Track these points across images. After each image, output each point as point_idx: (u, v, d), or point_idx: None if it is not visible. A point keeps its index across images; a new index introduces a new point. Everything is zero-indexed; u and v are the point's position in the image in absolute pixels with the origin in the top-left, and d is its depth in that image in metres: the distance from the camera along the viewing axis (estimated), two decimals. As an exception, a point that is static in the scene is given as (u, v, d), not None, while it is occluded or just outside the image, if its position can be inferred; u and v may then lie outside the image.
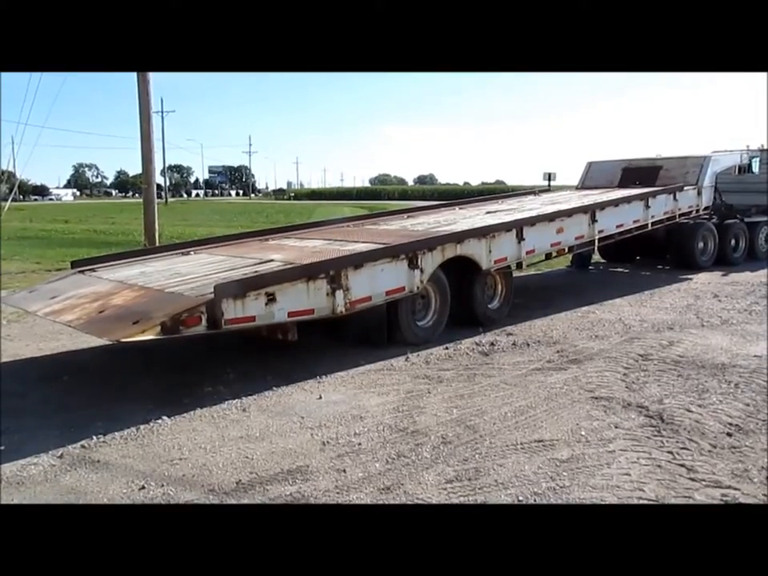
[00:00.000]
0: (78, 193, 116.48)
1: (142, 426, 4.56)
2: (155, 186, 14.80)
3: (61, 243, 19.07)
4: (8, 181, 25.14)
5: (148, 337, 4.57)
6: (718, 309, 8.45)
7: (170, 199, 70.77)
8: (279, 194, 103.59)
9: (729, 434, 4.26)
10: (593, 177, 13.89)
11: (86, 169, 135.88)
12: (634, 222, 10.29)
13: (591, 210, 9.26)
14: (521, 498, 3.46)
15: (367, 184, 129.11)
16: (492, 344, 6.70)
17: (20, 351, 6.77)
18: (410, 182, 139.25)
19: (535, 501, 3.43)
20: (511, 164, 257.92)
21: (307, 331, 5.91)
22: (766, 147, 13.68)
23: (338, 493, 3.58)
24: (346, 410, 4.87)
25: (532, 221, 8.34)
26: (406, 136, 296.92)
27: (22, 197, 77.15)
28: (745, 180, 12.97)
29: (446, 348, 6.59)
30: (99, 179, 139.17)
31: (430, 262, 6.71)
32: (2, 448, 4.22)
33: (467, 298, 7.38)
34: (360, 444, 4.23)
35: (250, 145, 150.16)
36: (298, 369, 5.86)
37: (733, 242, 12.85)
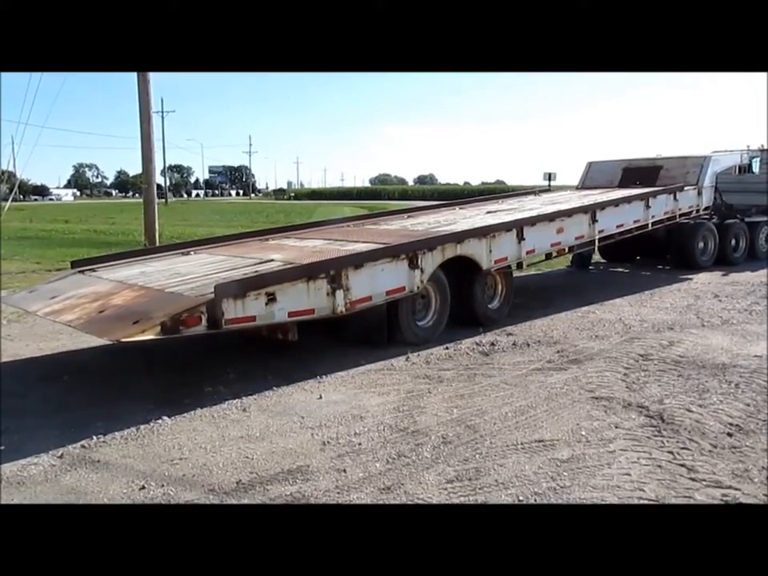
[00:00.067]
0: (78, 193, 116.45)
1: (142, 426, 4.56)
2: (155, 186, 14.80)
3: (61, 243, 19.08)
4: (8, 181, 25.15)
5: (148, 337, 4.57)
6: (718, 309, 8.45)
7: (170, 199, 70.81)
8: (279, 193, 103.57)
9: (729, 434, 4.26)
10: (593, 177, 13.89)
11: (86, 169, 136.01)
12: (635, 221, 10.29)
13: (591, 210, 9.26)
14: (521, 498, 3.46)
15: (367, 184, 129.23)
16: (492, 344, 6.70)
17: (20, 351, 6.77)
18: (410, 182, 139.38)
19: (536, 501, 3.43)
20: (511, 164, 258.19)
21: (307, 331, 5.91)
22: (766, 147, 13.68)
23: (338, 493, 3.58)
24: (346, 409, 4.87)
25: (532, 221, 8.34)
26: (406, 136, 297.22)
27: (22, 197, 77.14)
28: (745, 180, 12.97)
29: (447, 348, 6.59)
30: (99, 179, 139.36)
31: (430, 261, 6.71)
32: (2, 448, 4.22)
33: (467, 298, 7.38)
34: (360, 444, 4.23)
35: (250, 145, 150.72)
36: (299, 369, 5.86)
37: (733, 241, 12.85)
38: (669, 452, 4.00)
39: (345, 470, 3.84)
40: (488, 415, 4.69)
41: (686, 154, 13.01)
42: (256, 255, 6.83)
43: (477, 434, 4.35)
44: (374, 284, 6.14)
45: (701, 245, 12.23)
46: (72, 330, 5.77)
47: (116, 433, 4.44)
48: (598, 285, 10.95)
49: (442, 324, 7.03)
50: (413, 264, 6.47)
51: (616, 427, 4.42)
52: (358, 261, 6.06)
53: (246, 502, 3.50)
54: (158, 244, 13.07)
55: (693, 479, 3.63)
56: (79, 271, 6.93)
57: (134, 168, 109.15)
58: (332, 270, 5.74)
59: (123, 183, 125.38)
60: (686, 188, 11.72)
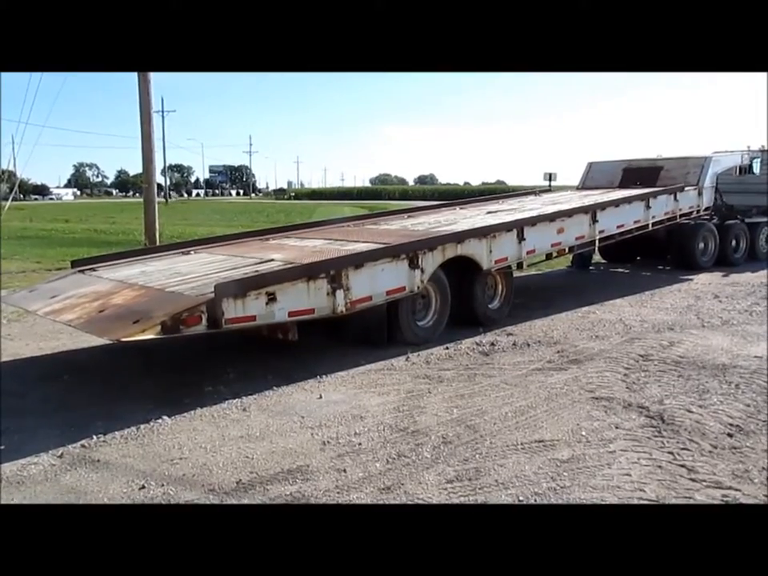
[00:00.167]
0: (78, 192, 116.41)
1: (142, 426, 4.56)
2: (156, 186, 14.80)
3: (61, 243, 19.07)
4: (8, 180, 25.15)
5: (148, 336, 4.57)
6: (718, 309, 8.45)
7: (170, 199, 70.84)
8: (280, 193, 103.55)
9: (729, 435, 4.26)
10: (593, 177, 13.88)
11: (87, 168, 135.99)
12: (635, 222, 10.28)
13: (592, 211, 9.26)
14: (521, 498, 3.46)
15: (368, 184, 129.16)
16: (492, 344, 6.70)
17: (20, 350, 6.77)
18: (411, 182, 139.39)
19: (536, 501, 3.43)
20: (512, 164, 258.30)
21: (307, 331, 5.91)
22: (766, 148, 13.67)
23: (338, 493, 3.58)
24: (346, 409, 4.87)
25: (533, 221, 8.34)
26: (406, 136, 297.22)
27: (22, 196, 77.12)
28: (745, 181, 12.97)
29: (447, 348, 6.59)
30: (100, 179, 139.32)
31: (431, 261, 6.71)
32: (2, 447, 4.22)
33: (467, 298, 7.38)
34: (360, 444, 4.23)
35: (251, 144, 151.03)
36: (299, 368, 5.86)
37: (733, 242, 12.85)
38: (669, 452, 4.00)
39: (345, 470, 3.84)
40: (488, 415, 4.68)
41: (686, 155, 13.01)
42: (256, 255, 6.83)
43: (477, 434, 4.35)
44: (374, 284, 6.14)
45: (701, 245, 12.23)
46: (72, 330, 5.77)
47: (116, 432, 4.44)
48: (599, 285, 10.95)
49: (442, 324, 7.03)
50: (413, 264, 6.47)
51: (616, 427, 4.42)
52: (358, 261, 6.06)
53: (246, 502, 3.50)
54: (158, 243, 13.07)
55: (693, 480, 3.63)
56: (79, 271, 6.93)
57: (135, 167, 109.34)
58: (332, 270, 5.74)
59: (123, 183, 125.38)
60: (686, 188, 11.71)
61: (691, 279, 11.11)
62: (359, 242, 7.18)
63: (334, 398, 5.16)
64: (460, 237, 7.19)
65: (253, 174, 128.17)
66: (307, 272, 5.63)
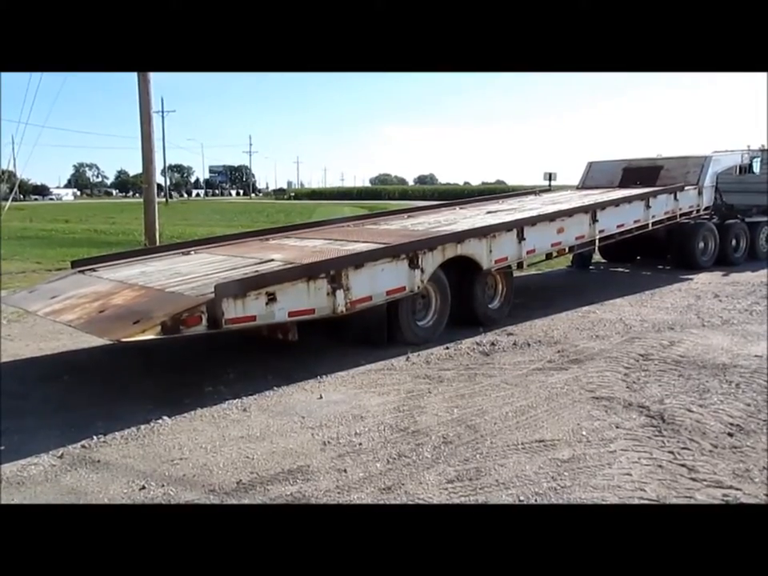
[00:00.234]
0: (78, 192, 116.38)
1: (142, 426, 4.56)
2: (156, 186, 14.80)
3: (61, 243, 19.08)
4: (8, 180, 25.15)
5: (148, 336, 4.57)
6: (718, 309, 8.45)
7: (170, 199, 70.83)
8: (279, 193, 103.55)
9: (730, 434, 4.26)
10: (593, 177, 13.89)
11: (87, 168, 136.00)
12: (635, 221, 10.29)
13: (592, 210, 9.26)
14: (522, 498, 3.45)
15: (367, 184, 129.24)
16: (493, 344, 6.69)
17: (20, 351, 6.77)
18: (411, 182, 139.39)
19: (536, 501, 3.43)
20: (511, 164, 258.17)
21: (307, 331, 5.91)
22: (766, 147, 13.67)
23: (338, 493, 3.57)
24: (346, 409, 4.87)
25: (533, 220, 8.34)
26: (406, 136, 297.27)
27: (22, 196, 77.11)
28: (745, 180, 12.97)
29: (447, 348, 6.59)
30: (100, 179, 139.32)
31: (431, 261, 6.71)
32: (2, 448, 4.22)
33: (468, 298, 7.38)
34: (361, 444, 4.23)
35: (251, 144, 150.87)
36: (299, 368, 5.86)
37: (733, 242, 12.85)
38: (669, 452, 4.00)
39: (345, 470, 3.84)
40: (488, 415, 4.68)
41: (686, 154, 13.01)
42: (256, 255, 6.83)
43: (477, 433, 4.35)
44: (374, 284, 6.14)
45: (701, 245, 12.23)
46: (72, 330, 5.77)
47: (116, 433, 4.44)
48: (599, 285, 10.95)
49: (442, 324, 7.03)
50: (413, 264, 6.47)
51: (617, 427, 4.42)
52: (358, 261, 6.06)
53: (246, 502, 3.50)
54: (158, 244, 13.07)
55: (693, 479, 3.63)
56: (79, 271, 6.93)
57: (135, 168, 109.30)
58: (332, 270, 5.74)
59: (123, 183, 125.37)
60: (686, 188, 11.71)
61: (691, 279, 11.11)
62: (359, 242, 7.18)
63: (334, 398, 5.16)
64: (460, 237, 7.19)
65: (253, 174, 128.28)
66: (307, 272, 5.63)
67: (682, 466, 3.80)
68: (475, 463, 3.89)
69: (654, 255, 13.03)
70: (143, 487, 3.67)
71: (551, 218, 8.63)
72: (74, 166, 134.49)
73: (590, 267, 12.89)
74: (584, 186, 13.81)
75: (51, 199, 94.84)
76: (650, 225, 10.62)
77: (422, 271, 6.57)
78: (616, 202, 9.99)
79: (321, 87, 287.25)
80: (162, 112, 66.72)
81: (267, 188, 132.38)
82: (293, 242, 8.14)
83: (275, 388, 5.36)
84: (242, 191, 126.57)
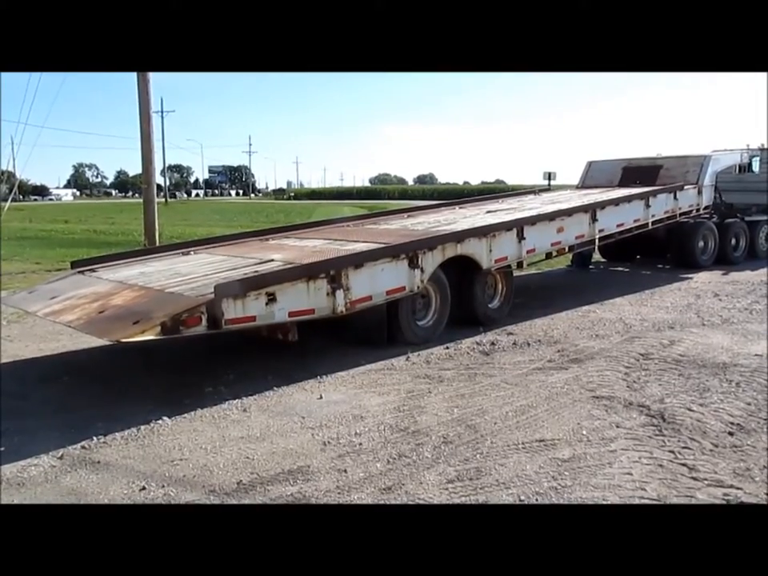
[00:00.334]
0: (77, 193, 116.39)
1: (142, 427, 4.55)
2: (155, 186, 14.79)
3: (61, 243, 19.07)
4: (8, 181, 25.14)
5: (148, 337, 4.57)
6: (718, 308, 8.45)
7: (170, 199, 70.81)
8: (279, 193, 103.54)
9: (730, 433, 4.26)
10: (593, 176, 13.89)
11: (86, 169, 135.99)
12: (635, 221, 10.29)
13: (592, 210, 9.26)
14: (522, 498, 3.45)
15: (367, 183, 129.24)
16: (493, 343, 6.69)
17: (20, 352, 6.76)
18: (410, 182, 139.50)
19: (537, 501, 3.43)
20: (511, 163, 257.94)
21: (307, 331, 5.91)
22: (766, 146, 13.67)
23: (339, 493, 3.57)
24: (346, 409, 4.87)
25: (532, 220, 8.34)
26: (405, 136, 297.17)
27: (21, 197, 77.11)
28: (745, 179, 12.97)
29: (447, 348, 6.59)
30: (99, 179, 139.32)
31: (431, 261, 6.70)
32: (2, 449, 4.21)
33: (467, 298, 7.38)
34: (361, 444, 4.23)
35: (250, 145, 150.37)
36: (299, 369, 5.86)
37: (733, 241, 12.85)
38: (670, 451, 4.00)
39: (345, 471, 3.84)
40: (489, 415, 4.68)
41: (686, 153, 13.01)
42: (256, 255, 6.82)
43: (477, 433, 4.35)
44: (374, 284, 6.14)
45: (701, 244, 12.23)
46: (72, 331, 5.76)
47: (116, 434, 4.44)
48: (599, 284, 10.95)
49: (442, 324, 7.02)
50: (413, 264, 6.46)
51: (617, 426, 4.42)
52: (358, 261, 6.05)
53: (246, 502, 3.49)
54: (157, 244, 13.07)
55: (694, 478, 3.63)
56: (79, 271, 6.93)
57: (134, 168, 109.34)
58: (332, 270, 5.74)
59: (123, 183, 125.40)
60: (686, 187, 11.72)
61: (691, 278, 11.11)
62: (359, 242, 7.18)
63: (334, 398, 5.16)
64: (460, 236, 7.19)
65: (252, 174, 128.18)
66: (307, 272, 5.63)
67: (683, 465, 3.80)
68: (475, 463, 3.89)
69: (653, 254, 13.03)
70: (143, 488, 3.66)
71: (551, 217, 8.63)
72: (74, 166, 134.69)
73: (590, 266, 12.89)
74: (584, 185, 13.81)
75: (51, 199, 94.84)
76: (650, 224, 10.63)
77: (422, 271, 6.57)
78: (616, 202, 9.99)
79: (321, 87, 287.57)
80: (162, 112, 66.74)
81: (267, 188, 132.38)
82: (292, 242, 8.14)
83: (275, 388, 5.36)
84: (241, 191, 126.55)
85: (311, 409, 4.91)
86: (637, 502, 3.38)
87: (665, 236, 11.97)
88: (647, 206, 10.49)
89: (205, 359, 6.39)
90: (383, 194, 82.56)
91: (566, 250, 9.28)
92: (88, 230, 25.35)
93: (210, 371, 5.84)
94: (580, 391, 5.17)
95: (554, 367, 5.85)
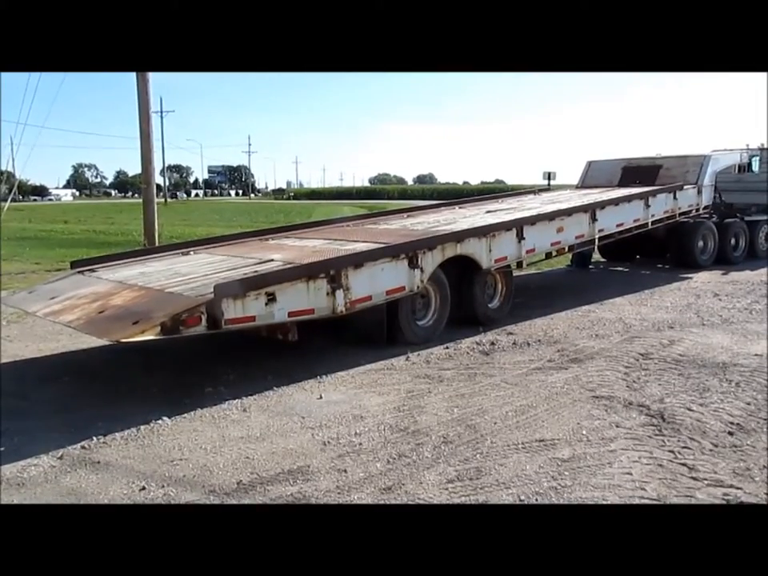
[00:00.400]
0: (77, 193, 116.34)
1: (142, 427, 4.55)
2: (155, 186, 14.79)
3: (60, 243, 19.06)
4: (7, 181, 25.13)
5: (148, 337, 4.57)
6: (718, 308, 8.45)
7: (170, 199, 70.81)
8: (279, 193, 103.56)
9: (730, 433, 4.26)
10: (593, 176, 13.89)
11: (86, 169, 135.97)
12: (634, 220, 10.29)
13: (591, 209, 9.26)
14: (522, 498, 3.45)
15: (367, 183, 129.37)
16: (492, 343, 6.70)
17: (20, 352, 6.76)
18: (410, 182, 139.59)
19: (537, 501, 3.43)
20: (511, 163, 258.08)
21: (307, 331, 5.91)
22: (765, 146, 13.68)
23: (339, 493, 3.57)
24: (346, 409, 4.87)
25: (532, 220, 8.34)
26: (405, 135, 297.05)
27: (21, 197, 77.14)
28: (745, 179, 12.97)
29: (447, 347, 6.59)
30: (99, 179, 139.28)
31: (430, 261, 6.71)
32: (2, 449, 4.21)
33: (467, 298, 7.38)
34: (361, 444, 4.23)
35: (250, 145, 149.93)
36: (299, 369, 5.86)
37: (733, 240, 12.85)
38: (670, 451, 4.00)
39: (345, 470, 3.84)
40: (488, 415, 4.68)
41: (685, 153, 13.02)
42: (256, 255, 6.82)
43: (477, 433, 4.35)
44: (374, 284, 6.14)
45: (700, 244, 12.23)
46: (72, 331, 5.76)
47: (116, 434, 4.44)
48: (598, 284, 10.95)
49: (441, 323, 7.02)
50: (413, 263, 6.46)
51: (617, 426, 4.42)
52: (357, 260, 6.05)
53: (246, 502, 3.49)
54: (157, 244, 13.06)
55: (694, 478, 3.63)
56: (79, 271, 6.93)
57: (134, 168, 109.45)
58: (332, 270, 5.74)
59: (122, 183, 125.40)
60: (685, 187, 11.73)
61: (691, 278, 11.11)
62: (359, 242, 7.18)
63: (334, 398, 5.16)
64: (459, 236, 7.19)
65: (252, 174, 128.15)
66: (307, 272, 5.62)
67: (683, 465, 3.80)
68: (475, 463, 3.89)
69: (653, 254, 13.04)
70: (143, 488, 3.66)
71: (551, 217, 8.63)
72: (73, 166, 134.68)
73: (590, 266, 12.89)
74: (583, 185, 13.82)
75: (50, 200, 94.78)
76: (650, 224, 10.63)
77: (422, 271, 6.57)
78: (615, 201, 9.99)
79: (321, 87, 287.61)
80: (161, 112, 66.68)
81: (266, 188, 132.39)
82: (292, 242, 8.14)
83: (275, 388, 5.36)
84: (241, 191, 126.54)
85: (311, 409, 4.91)
86: (637, 501, 3.38)
87: (664, 236, 11.98)
88: (647, 205, 10.50)
89: (205, 359, 6.39)
90: (383, 193, 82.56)
91: (566, 249, 9.29)
92: (88, 230, 25.34)
93: (209, 371, 5.84)
94: (580, 391, 5.17)
95: (554, 367, 5.85)
